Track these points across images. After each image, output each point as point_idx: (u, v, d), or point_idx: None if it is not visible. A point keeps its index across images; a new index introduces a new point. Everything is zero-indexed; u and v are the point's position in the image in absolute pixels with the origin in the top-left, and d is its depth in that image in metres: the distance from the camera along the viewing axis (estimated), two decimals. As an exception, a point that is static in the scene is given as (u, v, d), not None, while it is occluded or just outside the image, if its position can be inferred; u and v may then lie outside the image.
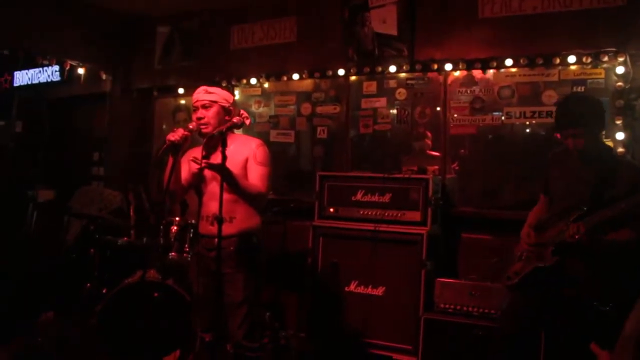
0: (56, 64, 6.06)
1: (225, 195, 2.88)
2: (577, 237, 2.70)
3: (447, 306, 3.89)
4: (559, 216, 2.92)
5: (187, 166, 3.13)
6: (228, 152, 2.92)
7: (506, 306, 3.17)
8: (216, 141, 2.97)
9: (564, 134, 2.90)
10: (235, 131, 3.19)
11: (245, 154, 3.08)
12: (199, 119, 3.06)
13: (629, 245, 2.77)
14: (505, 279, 3.14)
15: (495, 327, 3.28)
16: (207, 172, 3.05)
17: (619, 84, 4.06)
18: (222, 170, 2.83)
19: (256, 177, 3.07)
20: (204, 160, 2.87)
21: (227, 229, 2.95)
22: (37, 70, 6.88)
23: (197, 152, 3.03)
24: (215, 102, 3.08)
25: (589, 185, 2.84)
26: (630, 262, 2.92)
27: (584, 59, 4.16)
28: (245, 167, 3.07)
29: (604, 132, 2.95)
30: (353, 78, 5.16)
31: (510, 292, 3.14)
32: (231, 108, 3.15)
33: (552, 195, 3.12)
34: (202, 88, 3.15)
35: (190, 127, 3.04)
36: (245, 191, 3.02)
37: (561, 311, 2.86)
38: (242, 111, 3.19)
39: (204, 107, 3.06)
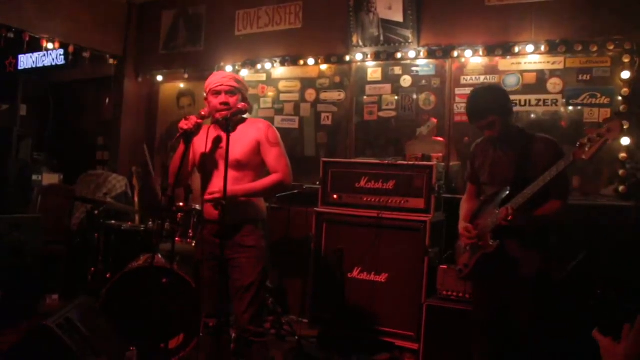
0: (61, 47, 6.05)
1: (231, 174, 2.90)
2: (509, 218, 2.81)
3: (449, 293, 3.91)
4: (489, 202, 3.05)
5: (194, 149, 3.13)
6: (235, 135, 2.93)
7: (472, 294, 3.38)
8: (224, 125, 2.96)
9: (479, 125, 3.03)
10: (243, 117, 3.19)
11: (253, 135, 3.07)
12: (224, 104, 3.01)
13: (558, 215, 2.93)
14: (457, 271, 3.27)
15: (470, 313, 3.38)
16: (216, 153, 3.05)
17: (625, 72, 4.05)
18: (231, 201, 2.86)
19: (274, 159, 3.07)
20: (211, 196, 2.88)
21: (232, 212, 2.95)
22: (41, 53, 6.85)
23: (203, 135, 3.04)
24: (240, 90, 3.08)
25: (511, 168, 2.99)
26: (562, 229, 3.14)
27: (590, 47, 4.14)
28: (254, 149, 3.05)
29: (513, 116, 3.14)
30: (358, 64, 5.15)
31: (468, 281, 3.34)
32: (246, 97, 3.16)
33: (481, 184, 3.24)
34: (228, 74, 3.14)
35: (203, 113, 3.01)
36: (266, 191, 3.06)
37: (517, 291, 2.96)
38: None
39: (228, 92, 3.03)
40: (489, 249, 2.97)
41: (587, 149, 2.62)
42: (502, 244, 2.93)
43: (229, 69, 5.61)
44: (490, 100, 2.99)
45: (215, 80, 3.08)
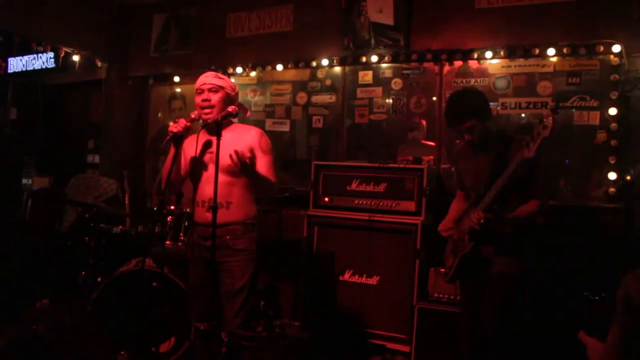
0: (51, 50, 6.03)
1: (222, 178, 2.90)
2: (481, 222, 2.85)
3: (440, 295, 3.92)
4: (472, 205, 3.08)
5: (184, 154, 3.13)
6: (227, 139, 2.94)
7: (460, 294, 3.42)
8: (213, 129, 2.96)
9: (457, 129, 3.06)
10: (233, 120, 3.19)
11: (247, 142, 3.06)
12: (205, 100, 3.03)
13: (534, 215, 2.96)
14: (444, 275, 3.35)
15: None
16: (206, 157, 3.05)
17: (614, 75, 4.08)
18: (251, 168, 2.87)
19: (264, 167, 3.07)
20: (235, 155, 2.84)
21: (224, 216, 2.95)
22: (31, 56, 6.84)
23: (193, 140, 3.04)
24: (222, 87, 3.08)
25: (488, 170, 3.00)
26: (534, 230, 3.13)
27: (579, 50, 4.16)
28: (248, 153, 3.02)
29: (491, 119, 3.13)
30: (349, 68, 5.16)
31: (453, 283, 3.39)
32: (235, 98, 3.16)
33: (465, 188, 3.27)
34: (210, 73, 3.16)
35: (193, 116, 3.03)
36: (264, 183, 3.04)
37: (486, 288, 3.02)
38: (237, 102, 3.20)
39: (211, 90, 3.05)
40: (465, 250, 3.02)
41: (531, 146, 2.70)
42: (477, 245, 2.97)
43: (220, 71, 5.60)
44: (469, 104, 3.01)
45: (198, 80, 3.12)
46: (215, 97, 3.04)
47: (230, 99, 3.11)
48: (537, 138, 2.69)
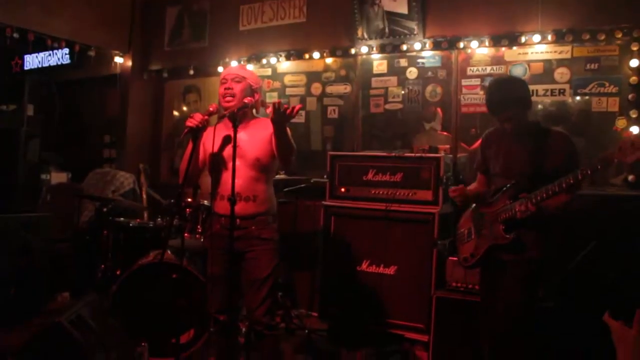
0: (66, 46, 6.06)
1: (248, 173, 2.95)
2: (528, 213, 2.82)
3: (458, 285, 3.90)
4: (502, 192, 3.03)
5: (204, 147, 3.13)
6: (249, 132, 3.01)
7: (480, 284, 3.37)
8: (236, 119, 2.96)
9: (500, 118, 3.02)
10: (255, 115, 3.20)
11: (268, 133, 3.05)
12: (227, 89, 3.06)
13: (567, 206, 2.92)
14: (462, 260, 3.30)
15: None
16: (227, 151, 3.05)
17: (633, 60, 4.02)
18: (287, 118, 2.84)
19: None
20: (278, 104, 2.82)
21: (249, 208, 2.99)
22: (47, 53, 6.87)
23: (212, 134, 3.05)
24: (245, 78, 3.10)
25: (525, 161, 2.97)
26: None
27: (597, 36, 4.11)
28: (270, 142, 3.04)
29: (531, 109, 3.10)
30: (363, 57, 5.13)
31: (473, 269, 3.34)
32: (257, 92, 3.16)
33: (492, 174, 3.22)
34: (238, 65, 3.18)
35: (211, 109, 3.03)
36: (290, 141, 2.99)
37: (513, 272, 2.98)
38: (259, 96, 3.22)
39: (234, 80, 3.07)
40: (504, 241, 2.97)
41: (628, 153, 2.48)
42: (517, 235, 2.93)
43: (234, 64, 5.60)
44: (512, 93, 2.96)
45: (223, 71, 3.18)
46: (237, 87, 3.06)
47: (252, 91, 3.12)
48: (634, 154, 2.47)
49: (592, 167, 2.62)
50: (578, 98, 4.26)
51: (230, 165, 2.96)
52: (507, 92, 2.98)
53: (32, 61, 7.16)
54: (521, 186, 2.93)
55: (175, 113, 6.40)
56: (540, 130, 3.03)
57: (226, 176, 3.04)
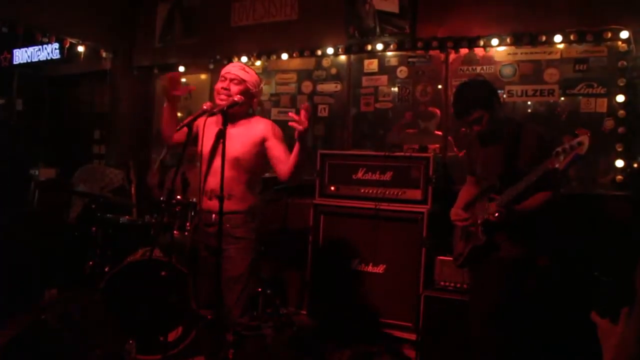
0: (56, 41, 6.02)
1: (227, 172, 2.92)
2: (497, 215, 2.87)
3: (447, 284, 3.92)
4: (482, 194, 3.09)
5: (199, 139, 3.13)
6: (235, 131, 3.03)
7: (469, 283, 3.45)
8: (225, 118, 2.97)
9: (465, 121, 3.05)
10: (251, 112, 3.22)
11: (259, 132, 3.08)
12: (224, 89, 3.07)
13: (546, 205, 2.93)
14: (454, 259, 3.36)
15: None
16: (207, 148, 3.08)
17: (622, 61, 4.04)
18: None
19: (284, 153, 3.10)
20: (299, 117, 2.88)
21: (225, 205, 2.96)
22: (36, 48, 6.82)
23: (207, 128, 3.07)
24: (244, 81, 3.09)
25: (499, 161, 3.01)
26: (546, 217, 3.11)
27: (586, 37, 4.13)
28: (258, 145, 3.08)
29: (500, 107, 3.09)
30: (354, 56, 5.14)
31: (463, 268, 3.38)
32: (256, 94, 3.18)
33: (477, 175, 3.27)
34: (238, 64, 3.20)
35: (205, 107, 3.03)
36: (303, 157, 3.04)
37: (492, 270, 3.03)
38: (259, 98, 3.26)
39: (233, 81, 3.08)
40: (479, 242, 3.04)
41: (561, 159, 2.62)
42: (490, 238, 2.99)
43: (226, 62, 5.58)
44: (474, 95, 2.99)
45: (226, 68, 3.17)
46: (235, 89, 3.07)
47: (250, 94, 3.12)
48: (570, 152, 2.59)
49: (541, 168, 2.69)
50: (566, 99, 4.28)
51: (214, 163, 3.04)
52: (467, 95, 3.01)
53: (22, 55, 7.10)
54: (497, 187, 2.96)
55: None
56: (514, 128, 3.04)
57: (209, 173, 3.09)
